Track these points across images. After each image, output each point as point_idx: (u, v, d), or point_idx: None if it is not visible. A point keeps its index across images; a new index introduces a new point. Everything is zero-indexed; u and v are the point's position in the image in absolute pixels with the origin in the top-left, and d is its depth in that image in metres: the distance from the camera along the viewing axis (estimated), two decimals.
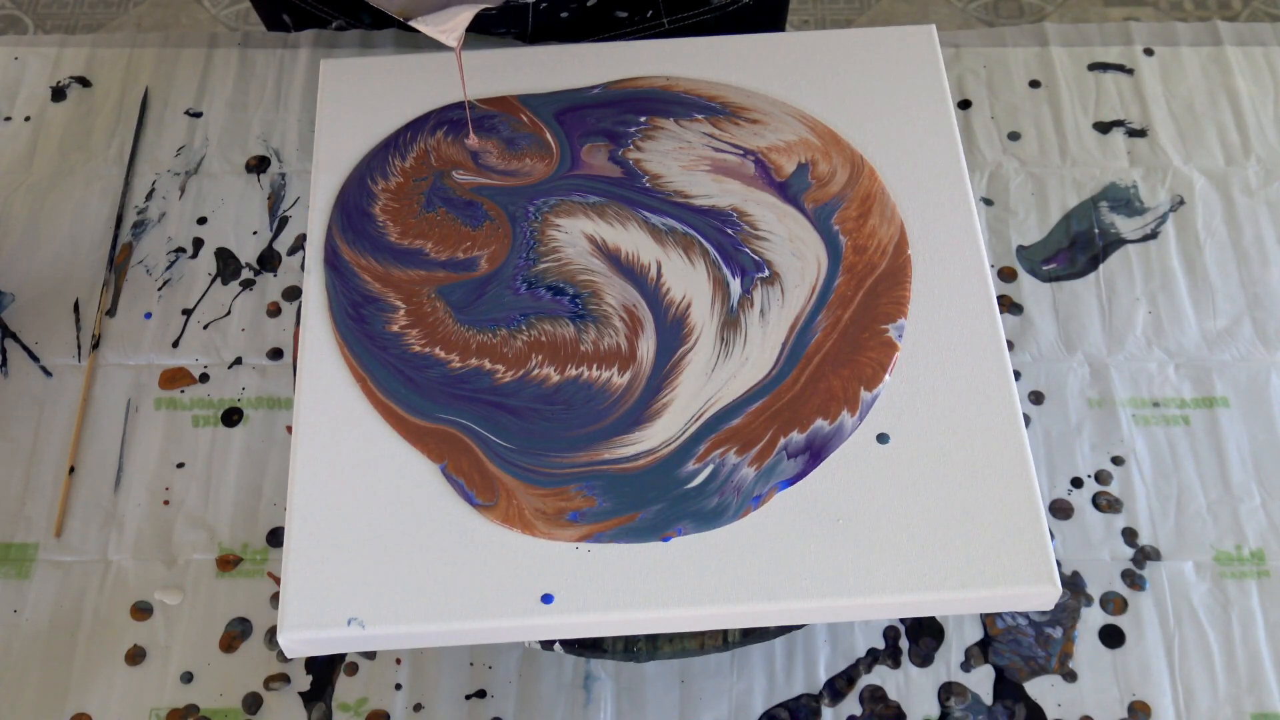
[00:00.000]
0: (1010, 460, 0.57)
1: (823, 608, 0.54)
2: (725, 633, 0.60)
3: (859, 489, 0.56)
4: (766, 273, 0.62)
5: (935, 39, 0.70)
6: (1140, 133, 0.83)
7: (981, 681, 0.65)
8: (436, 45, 0.86)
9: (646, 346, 0.61)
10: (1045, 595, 0.54)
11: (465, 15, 0.61)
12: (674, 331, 0.61)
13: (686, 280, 0.62)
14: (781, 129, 0.67)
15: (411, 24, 0.62)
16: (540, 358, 0.60)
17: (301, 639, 0.54)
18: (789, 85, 0.69)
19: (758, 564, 0.54)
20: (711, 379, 0.59)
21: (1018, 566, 0.54)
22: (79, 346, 0.75)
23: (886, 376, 0.59)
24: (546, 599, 0.54)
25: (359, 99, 0.69)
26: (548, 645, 0.60)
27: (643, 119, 0.68)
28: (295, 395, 0.59)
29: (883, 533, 0.55)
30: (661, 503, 0.56)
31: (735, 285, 0.62)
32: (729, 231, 0.64)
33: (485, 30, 0.88)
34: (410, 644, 0.55)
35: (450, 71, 0.70)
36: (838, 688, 0.65)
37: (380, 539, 0.55)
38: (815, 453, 0.57)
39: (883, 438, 0.57)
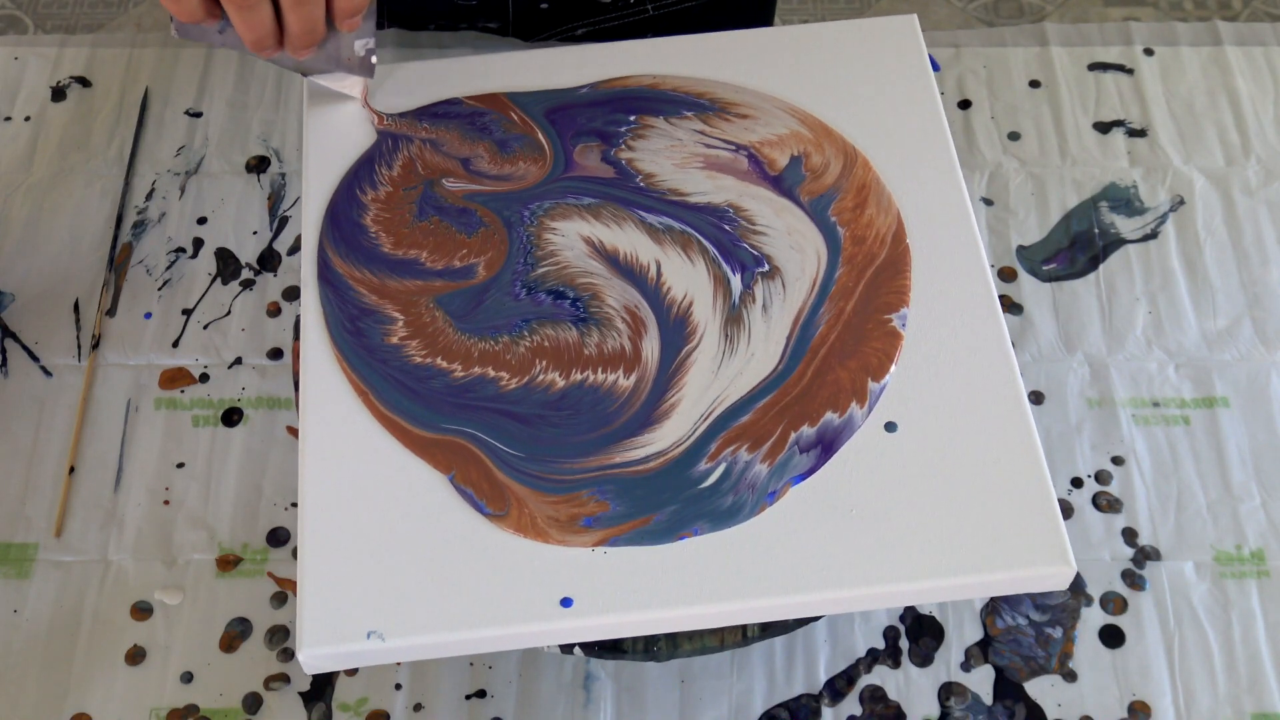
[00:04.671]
0: (1018, 442, 0.57)
1: (842, 598, 0.54)
2: (744, 628, 0.60)
3: (871, 479, 0.56)
4: (766, 267, 0.62)
5: (917, 27, 0.70)
6: (1140, 133, 0.83)
7: (981, 681, 0.65)
8: (433, 51, 0.86)
9: (651, 347, 0.60)
10: (1060, 575, 0.54)
11: (358, 80, 0.68)
12: (677, 330, 0.61)
13: (687, 278, 0.62)
14: (772, 123, 0.67)
15: (311, 79, 0.68)
16: (544, 363, 0.60)
17: (322, 654, 0.53)
18: (776, 79, 0.69)
19: (775, 558, 0.54)
20: (718, 377, 0.59)
21: (1031, 548, 0.54)
22: (79, 346, 0.75)
23: (893, 366, 0.59)
24: (566, 603, 0.54)
25: (345, 111, 0.68)
26: (567, 649, 0.60)
27: (632, 118, 0.68)
28: (299, 411, 0.59)
29: (897, 521, 0.55)
30: (676, 504, 0.56)
31: (736, 281, 0.62)
32: (726, 228, 0.64)
33: (469, 23, 0.88)
34: (431, 654, 0.54)
35: (436, 78, 0.70)
36: (838, 688, 0.65)
37: (394, 552, 0.55)
38: (826, 446, 0.57)
39: (890, 426, 0.57)
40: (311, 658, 0.53)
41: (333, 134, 0.67)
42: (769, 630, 0.60)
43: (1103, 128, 0.83)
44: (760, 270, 0.62)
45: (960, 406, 0.58)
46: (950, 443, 0.57)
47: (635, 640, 0.60)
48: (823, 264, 0.62)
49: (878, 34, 0.70)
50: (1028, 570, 0.54)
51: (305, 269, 0.63)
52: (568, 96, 0.69)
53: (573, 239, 0.64)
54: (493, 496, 0.56)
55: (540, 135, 0.67)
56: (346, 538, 0.55)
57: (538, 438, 0.58)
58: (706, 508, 0.56)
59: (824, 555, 0.54)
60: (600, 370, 0.60)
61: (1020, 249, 0.78)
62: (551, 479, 0.57)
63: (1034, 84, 0.85)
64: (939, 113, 0.67)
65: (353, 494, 0.57)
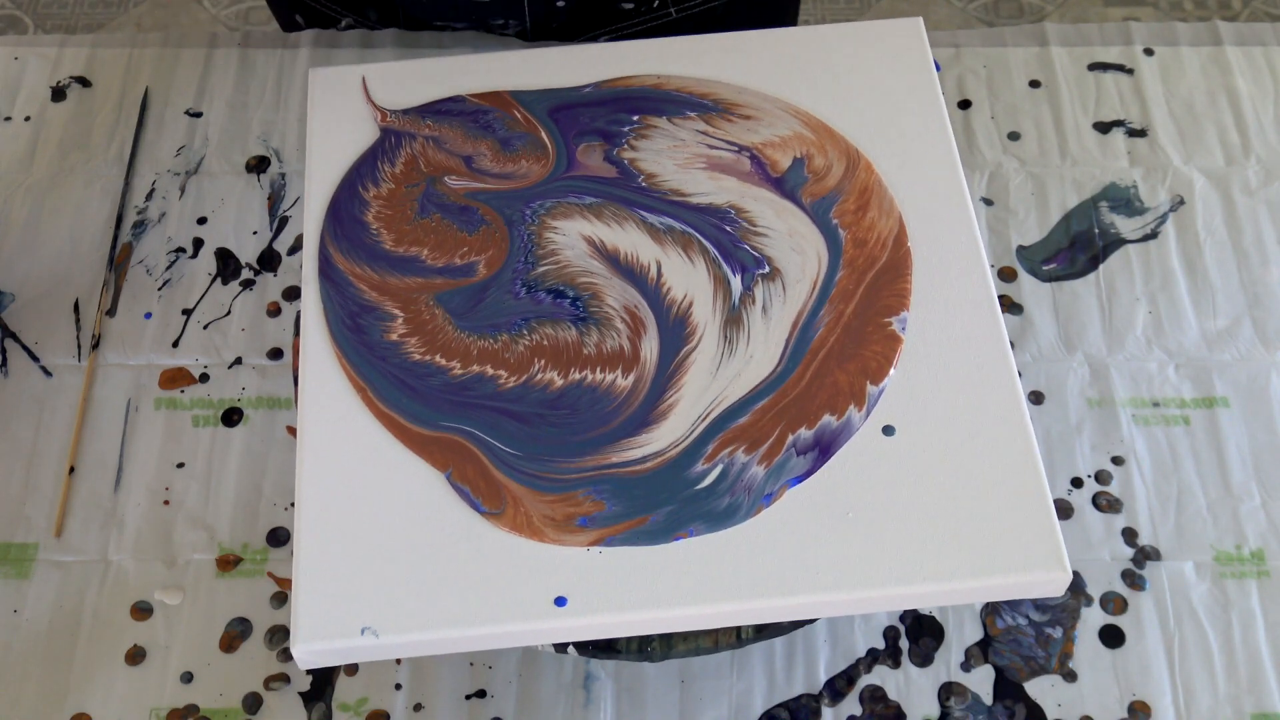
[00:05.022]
0: (1016, 448, 0.57)
1: (837, 601, 0.54)
2: (739, 630, 0.60)
3: (868, 483, 0.56)
4: (767, 269, 0.62)
5: (923, 31, 0.70)
6: (1140, 133, 0.83)
7: (981, 681, 0.65)
8: (431, 49, 0.86)
9: (650, 347, 0.60)
10: (1056, 581, 0.54)
11: None
12: (676, 331, 0.61)
13: (687, 279, 0.62)
14: (775, 124, 0.67)
15: None
16: (543, 362, 0.60)
17: (315, 650, 0.53)
18: (780, 80, 0.69)
19: (771, 560, 0.54)
20: (716, 378, 0.59)
21: (1028, 553, 0.54)
22: (79, 346, 0.75)
23: (892, 370, 0.59)
24: (560, 602, 0.54)
25: (348, 107, 0.68)
26: (561, 648, 0.60)
27: (635, 118, 0.68)
28: (298, 407, 0.59)
29: (893, 525, 0.55)
30: (672, 505, 0.56)
31: (736, 282, 0.62)
32: (727, 229, 0.64)
33: (484, 23, 0.87)
34: (423, 651, 0.55)
35: (440, 75, 0.70)
36: (838, 688, 0.65)
37: (389, 548, 0.55)
38: (824, 449, 0.57)
39: (888, 430, 0.57)
40: (306, 653, 0.54)
41: (335, 130, 0.68)
42: (763, 632, 0.60)
43: (1103, 128, 0.83)
44: (761, 272, 0.62)
45: (959, 411, 0.58)
46: (948, 447, 0.57)
47: (629, 640, 0.60)
48: (823, 266, 0.62)
49: (883, 36, 0.70)
50: (1024, 575, 0.54)
51: (306, 265, 0.63)
52: (571, 95, 0.69)
53: (574, 238, 0.64)
54: (489, 494, 0.56)
55: (543, 134, 0.67)
56: (342, 533, 0.56)
57: (535, 436, 0.58)
58: (703, 509, 0.56)
59: (819, 558, 0.54)
60: (599, 370, 0.60)
61: (1020, 249, 0.78)
62: (548, 478, 0.57)
63: (1034, 84, 0.85)
64: (943, 116, 0.67)
65: (349, 490, 0.57)
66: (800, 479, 0.56)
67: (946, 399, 0.58)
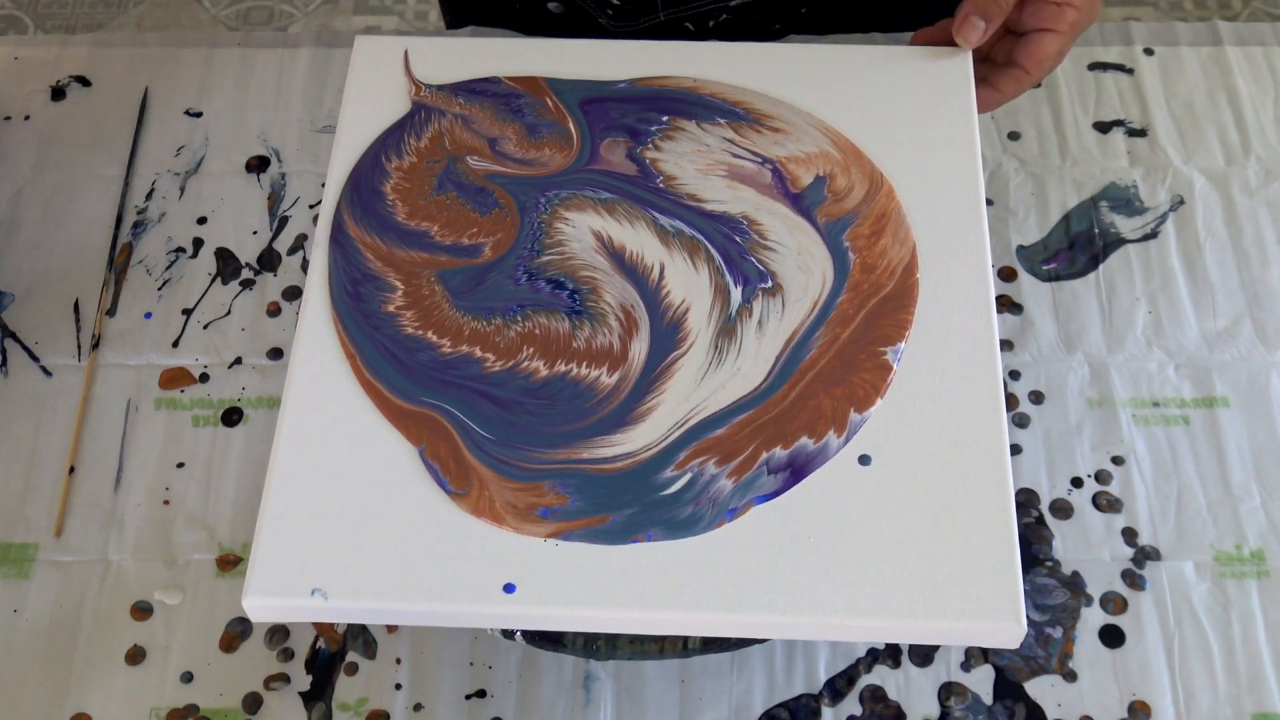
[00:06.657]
0: (991, 495, 0.56)
1: (784, 624, 0.54)
2: (686, 640, 0.59)
3: (836, 510, 0.56)
4: (769, 283, 0.62)
5: (969, 62, 0.69)
6: (1140, 132, 0.83)
7: (981, 681, 0.65)
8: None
9: (639, 348, 0.60)
10: (1011, 634, 0.54)
11: None
12: (669, 335, 0.61)
13: (688, 284, 0.62)
14: (803, 140, 0.67)
15: None
16: (531, 350, 0.60)
17: (265, 605, 0.54)
18: (817, 96, 0.68)
19: (723, 575, 0.54)
20: (700, 386, 0.59)
21: (984, 602, 0.53)
22: (79, 346, 0.75)
23: (879, 400, 0.58)
24: (509, 588, 0.54)
25: (387, 78, 0.69)
26: (509, 634, 0.60)
27: (664, 118, 0.68)
28: (289, 367, 0.60)
29: (853, 556, 0.54)
30: (634, 507, 0.56)
31: (736, 293, 0.62)
32: (737, 239, 0.64)
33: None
34: (371, 619, 0.55)
35: (482, 54, 0.70)
36: (838, 688, 0.65)
37: (353, 515, 0.56)
38: (797, 471, 0.57)
39: (864, 459, 0.57)
40: (256, 607, 0.54)
41: (370, 98, 0.68)
42: (711, 645, 0.60)
43: (1103, 127, 0.83)
44: (763, 286, 0.62)
45: (939, 450, 0.57)
46: (922, 485, 0.56)
47: (576, 636, 0.60)
48: (827, 287, 0.62)
49: (928, 63, 0.69)
50: (977, 623, 0.53)
51: (320, 227, 0.64)
52: (605, 89, 0.69)
53: (582, 231, 0.64)
54: (457, 475, 0.57)
55: (571, 124, 0.67)
56: (310, 495, 0.56)
57: (511, 423, 0.58)
58: (664, 515, 0.56)
59: (773, 579, 0.54)
60: (585, 365, 0.60)
61: (1020, 249, 0.78)
62: (517, 465, 0.57)
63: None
64: (975, 150, 0.65)
65: (323, 454, 0.57)
66: (767, 497, 0.56)
67: (929, 436, 0.57)
